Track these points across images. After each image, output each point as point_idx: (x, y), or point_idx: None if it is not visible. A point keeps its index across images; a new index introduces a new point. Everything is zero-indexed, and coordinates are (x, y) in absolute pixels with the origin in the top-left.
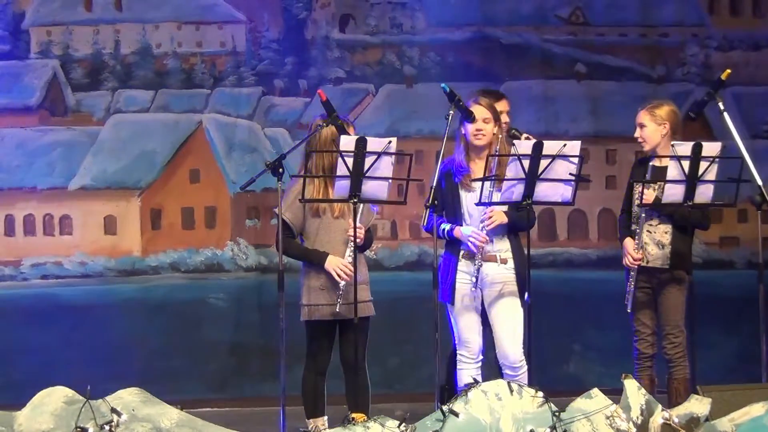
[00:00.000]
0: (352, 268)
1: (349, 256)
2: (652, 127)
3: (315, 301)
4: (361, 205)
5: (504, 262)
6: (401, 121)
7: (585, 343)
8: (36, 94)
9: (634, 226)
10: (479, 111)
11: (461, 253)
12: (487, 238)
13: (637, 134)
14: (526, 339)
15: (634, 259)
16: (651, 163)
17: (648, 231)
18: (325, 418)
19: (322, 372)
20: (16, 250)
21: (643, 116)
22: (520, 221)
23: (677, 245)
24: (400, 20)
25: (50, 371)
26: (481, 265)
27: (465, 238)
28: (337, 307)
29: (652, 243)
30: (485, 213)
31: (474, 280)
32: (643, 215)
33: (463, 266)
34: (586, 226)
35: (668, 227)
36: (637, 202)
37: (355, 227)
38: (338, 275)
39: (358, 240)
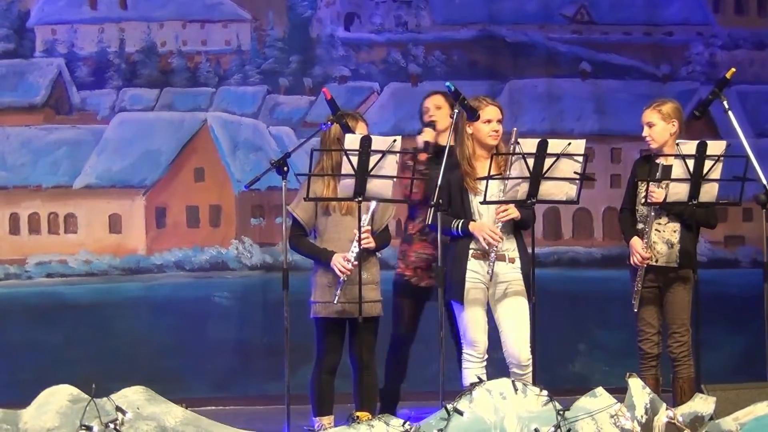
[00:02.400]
0: (351, 265)
1: (352, 253)
2: (661, 125)
3: (322, 298)
4: (374, 203)
5: (512, 261)
6: (406, 119)
7: (590, 342)
8: (41, 92)
9: (640, 225)
10: (493, 111)
11: (471, 252)
12: (502, 238)
13: (645, 133)
14: (532, 338)
15: (643, 258)
16: (659, 162)
17: (657, 230)
18: (332, 417)
19: (330, 370)
20: (21, 249)
21: (651, 115)
22: (528, 219)
23: (685, 244)
24: (405, 18)
25: (55, 370)
26: (494, 263)
27: (479, 233)
28: (335, 300)
29: (661, 242)
30: (500, 206)
31: (488, 276)
32: (653, 214)
33: (473, 265)
34: (591, 224)
35: (677, 225)
36: (642, 200)
37: (360, 229)
38: (339, 271)
39: (365, 242)
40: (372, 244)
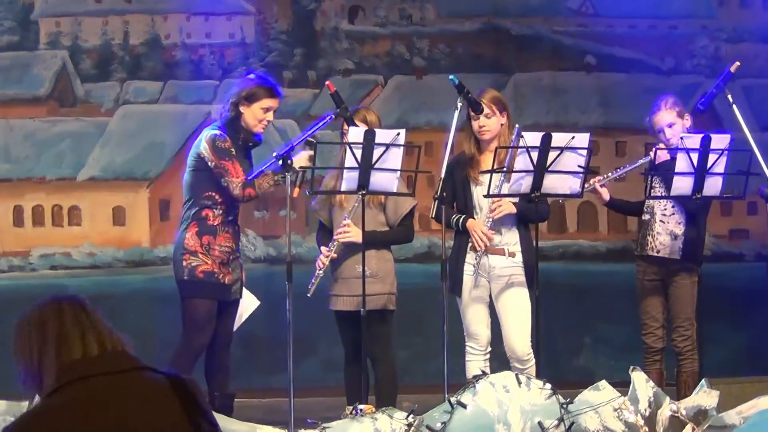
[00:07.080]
0: (326, 259)
1: (330, 248)
2: (680, 124)
3: (330, 291)
4: (356, 198)
5: (512, 255)
6: (410, 112)
7: (594, 336)
8: (45, 84)
9: (646, 216)
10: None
11: (469, 245)
12: (492, 237)
13: (668, 135)
14: (534, 332)
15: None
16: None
17: (661, 221)
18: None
19: (350, 362)
20: (24, 241)
21: (670, 116)
22: (530, 213)
23: (690, 235)
24: (409, 11)
25: None
26: (483, 255)
27: (471, 231)
28: (308, 291)
29: (665, 233)
30: (493, 202)
31: (474, 267)
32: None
33: (471, 258)
34: (596, 218)
35: (681, 217)
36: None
37: (356, 225)
38: (316, 265)
39: (345, 236)
40: (350, 239)
